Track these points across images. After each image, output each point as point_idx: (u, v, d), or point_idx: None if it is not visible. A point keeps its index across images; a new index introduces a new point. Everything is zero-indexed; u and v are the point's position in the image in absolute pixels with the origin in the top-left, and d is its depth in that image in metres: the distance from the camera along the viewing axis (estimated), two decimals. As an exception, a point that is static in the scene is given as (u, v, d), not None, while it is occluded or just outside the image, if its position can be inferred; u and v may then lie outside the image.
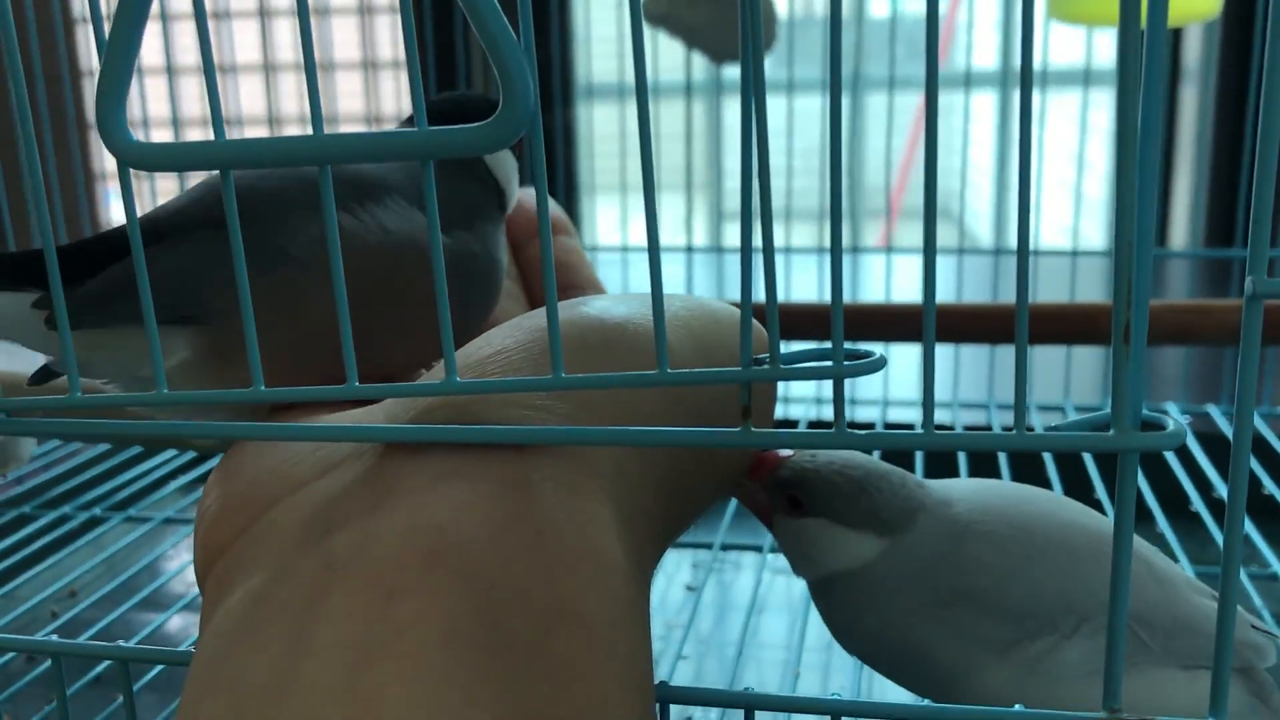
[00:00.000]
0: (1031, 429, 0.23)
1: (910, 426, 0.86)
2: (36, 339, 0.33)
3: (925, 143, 0.22)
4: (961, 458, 0.71)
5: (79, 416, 0.27)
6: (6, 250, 0.32)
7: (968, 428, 0.81)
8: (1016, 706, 0.25)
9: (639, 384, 0.24)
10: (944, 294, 0.87)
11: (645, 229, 0.23)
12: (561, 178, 1.02)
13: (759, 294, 0.23)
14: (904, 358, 0.92)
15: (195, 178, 0.35)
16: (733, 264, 1.04)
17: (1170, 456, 0.64)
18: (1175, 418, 0.24)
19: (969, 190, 2.35)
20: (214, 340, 0.31)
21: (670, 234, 0.99)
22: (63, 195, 0.79)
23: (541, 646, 0.21)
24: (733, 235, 1.16)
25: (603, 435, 0.24)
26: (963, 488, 0.37)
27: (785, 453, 0.36)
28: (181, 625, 0.66)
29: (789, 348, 0.24)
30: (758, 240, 0.22)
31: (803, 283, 0.96)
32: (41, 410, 0.28)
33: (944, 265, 0.94)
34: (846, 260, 1.13)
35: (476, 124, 0.23)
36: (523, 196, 0.40)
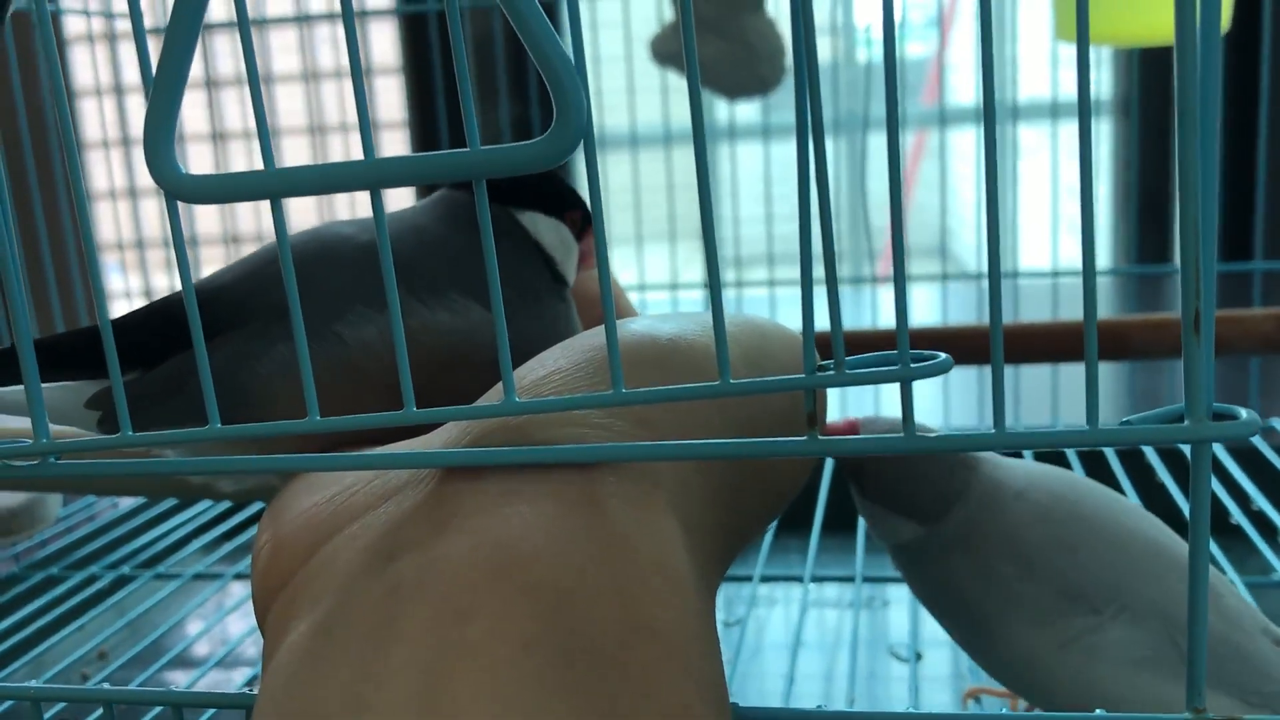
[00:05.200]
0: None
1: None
2: (89, 429, 0.33)
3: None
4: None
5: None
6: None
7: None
8: (1098, 711, 0.25)
9: (702, 396, 0.23)
10: (934, 318, 0.87)
11: (704, 250, 0.23)
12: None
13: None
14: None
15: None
16: (745, 302, 1.04)
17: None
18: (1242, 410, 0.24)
19: (960, 224, 2.35)
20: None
21: (672, 278, 1.00)
22: (56, 270, 0.79)
23: (617, 660, 0.21)
24: (732, 276, 1.16)
25: (668, 450, 0.24)
26: (1018, 466, 0.40)
27: (856, 422, 0.41)
28: (214, 683, 0.65)
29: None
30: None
31: (822, 321, 0.96)
32: (90, 452, 0.28)
33: (935, 293, 0.94)
34: (864, 291, 1.13)
35: (531, 140, 0.22)
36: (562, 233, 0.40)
